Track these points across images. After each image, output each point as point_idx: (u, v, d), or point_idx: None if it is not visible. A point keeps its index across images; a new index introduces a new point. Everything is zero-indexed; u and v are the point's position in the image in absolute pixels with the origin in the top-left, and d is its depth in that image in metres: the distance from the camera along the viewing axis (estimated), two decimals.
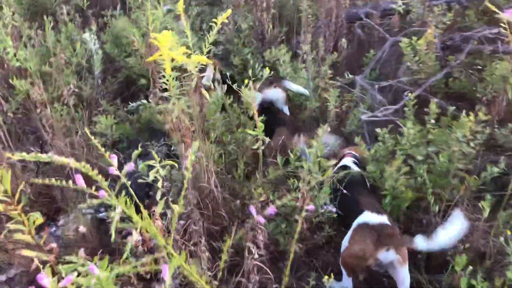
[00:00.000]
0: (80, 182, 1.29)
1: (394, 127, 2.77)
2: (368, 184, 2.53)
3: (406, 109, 2.73)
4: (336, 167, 2.64)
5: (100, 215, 2.59)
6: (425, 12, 3.83)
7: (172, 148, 2.87)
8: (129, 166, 1.34)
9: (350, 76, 3.49)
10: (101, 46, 3.89)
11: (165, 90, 2.31)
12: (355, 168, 2.60)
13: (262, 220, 1.47)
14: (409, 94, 2.69)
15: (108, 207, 2.75)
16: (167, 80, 2.22)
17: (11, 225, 1.19)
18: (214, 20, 2.22)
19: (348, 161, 2.69)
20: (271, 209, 1.50)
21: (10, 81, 3.47)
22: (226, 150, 2.79)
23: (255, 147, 2.57)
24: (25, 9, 5.28)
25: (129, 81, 4.03)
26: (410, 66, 3.30)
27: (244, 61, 4.21)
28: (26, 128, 3.43)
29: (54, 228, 2.47)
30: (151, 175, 1.67)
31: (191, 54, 2.20)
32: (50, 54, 3.86)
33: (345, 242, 2.21)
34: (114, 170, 1.33)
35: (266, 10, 4.15)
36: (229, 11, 2.26)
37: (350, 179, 2.46)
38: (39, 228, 2.43)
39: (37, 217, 1.20)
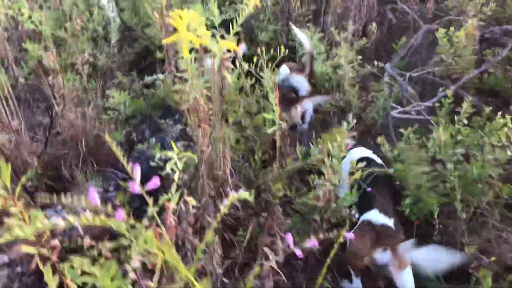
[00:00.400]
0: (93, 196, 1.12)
1: (422, 124, 2.60)
2: (390, 181, 2.39)
3: (439, 106, 2.56)
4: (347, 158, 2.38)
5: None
6: (464, 0, 3.58)
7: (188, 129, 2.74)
8: (136, 169, 1.17)
9: (379, 64, 3.28)
10: (119, 14, 3.72)
11: (181, 70, 2.16)
12: (379, 161, 2.44)
13: (300, 254, 1.31)
14: (446, 91, 2.50)
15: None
16: (185, 61, 2.07)
17: (9, 221, 1.08)
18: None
19: (367, 152, 2.50)
20: (312, 242, 1.34)
21: (23, 44, 3.33)
22: (244, 135, 2.65)
23: (270, 131, 2.43)
24: None
25: (147, 52, 3.87)
26: (445, 58, 3.09)
27: (268, 39, 4.02)
28: (36, 95, 3.31)
29: (59, 207, 2.36)
30: (168, 167, 1.52)
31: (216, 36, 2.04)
32: (65, 18, 3.71)
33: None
34: (136, 188, 1.15)
35: None
36: None
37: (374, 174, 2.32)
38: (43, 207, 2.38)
39: (38, 216, 1.07)
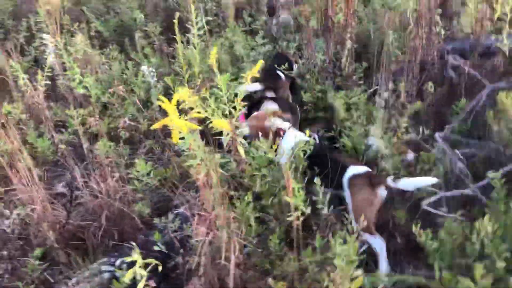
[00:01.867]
0: None
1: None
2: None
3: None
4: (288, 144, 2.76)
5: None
6: None
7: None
8: None
9: (426, 130, 2.90)
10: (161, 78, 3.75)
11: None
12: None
13: None
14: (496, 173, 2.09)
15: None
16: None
17: None
18: None
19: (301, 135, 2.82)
20: None
21: (67, 112, 3.44)
22: (262, 215, 2.42)
23: (290, 218, 2.16)
24: (111, 30, 5.43)
25: None
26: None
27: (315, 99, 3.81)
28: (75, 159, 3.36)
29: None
30: (127, 277, 1.35)
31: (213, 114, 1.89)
32: (112, 83, 3.81)
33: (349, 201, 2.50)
34: None
35: (344, 43, 3.70)
36: None
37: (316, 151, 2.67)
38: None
39: None
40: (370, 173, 2.56)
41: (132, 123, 3.53)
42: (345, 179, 2.54)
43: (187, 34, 4.40)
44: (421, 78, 3.49)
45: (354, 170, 2.55)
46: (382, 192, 2.47)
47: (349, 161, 2.67)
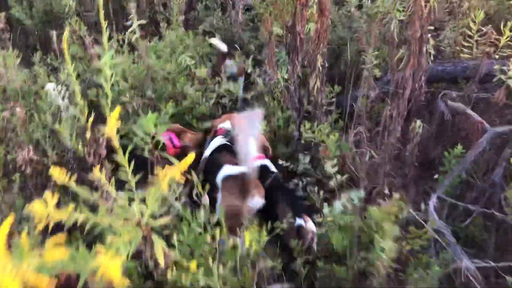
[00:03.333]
0: None
1: None
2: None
3: None
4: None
5: None
6: None
7: None
8: None
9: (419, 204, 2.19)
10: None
11: None
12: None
13: None
14: None
15: None
16: None
17: None
18: None
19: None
20: None
21: None
22: None
23: None
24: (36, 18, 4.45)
25: None
26: None
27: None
28: None
29: None
30: None
31: None
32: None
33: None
34: None
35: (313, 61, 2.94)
36: None
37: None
38: None
39: None
40: (245, 175, 2.13)
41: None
42: (218, 179, 2.31)
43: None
44: (407, 113, 2.80)
45: (228, 170, 2.31)
46: (254, 202, 2.14)
47: (224, 160, 2.39)
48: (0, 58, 3.04)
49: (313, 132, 2.83)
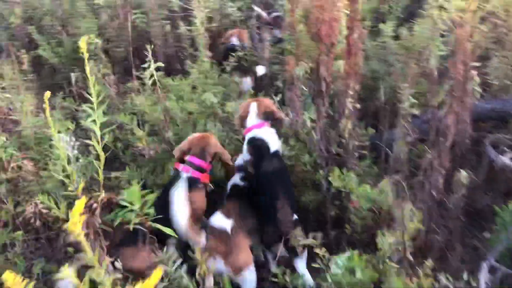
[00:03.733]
0: None
1: None
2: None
3: None
4: None
5: None
6: None
7: None
8: None
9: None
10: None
11: None
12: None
13: None
14: None
15: None
16: None
17: None
18: None
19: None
20: None
21: None
22: None
23: None
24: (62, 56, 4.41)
25: None
26: None
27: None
28: None
29: None
30: None
31: None
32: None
33: None
34: None
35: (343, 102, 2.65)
36: None
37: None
38: None
39: None
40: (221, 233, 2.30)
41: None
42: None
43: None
44: (452, 158, 2.45)
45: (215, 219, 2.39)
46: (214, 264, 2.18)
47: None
48: (18, 103, 2.94)
49: (343, 180, 2.56)
